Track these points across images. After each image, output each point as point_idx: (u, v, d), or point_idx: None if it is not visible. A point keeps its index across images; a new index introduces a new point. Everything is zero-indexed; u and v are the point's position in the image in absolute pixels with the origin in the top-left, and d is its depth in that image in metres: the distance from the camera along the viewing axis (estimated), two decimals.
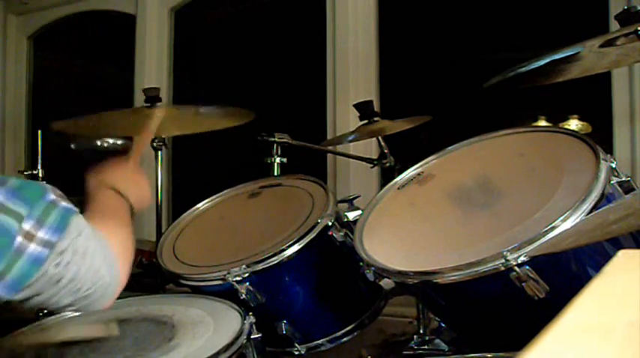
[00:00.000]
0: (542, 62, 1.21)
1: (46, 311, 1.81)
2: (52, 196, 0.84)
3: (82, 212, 0.93)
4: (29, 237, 0.79)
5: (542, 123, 1.76)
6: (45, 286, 0.82)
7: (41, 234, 0.80)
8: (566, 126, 1.70)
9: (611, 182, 1.10)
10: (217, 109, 1.98)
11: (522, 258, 1.01)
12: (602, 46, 1.19)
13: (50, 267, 0.81)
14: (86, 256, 0.85)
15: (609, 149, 1.53)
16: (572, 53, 1.19)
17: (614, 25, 1.23)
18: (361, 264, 1.24)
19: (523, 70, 1.22)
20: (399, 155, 1.87)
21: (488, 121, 2.43)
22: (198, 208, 1.71)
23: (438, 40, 2.66)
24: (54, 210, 0.83)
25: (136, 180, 1.19)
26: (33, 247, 0.79)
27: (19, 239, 0.78)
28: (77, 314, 1.37)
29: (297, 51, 2.97)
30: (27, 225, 0.79)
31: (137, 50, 3.23)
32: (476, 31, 2.55)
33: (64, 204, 0.85)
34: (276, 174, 1.87)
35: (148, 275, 2.27)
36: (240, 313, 1.24)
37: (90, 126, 1.94)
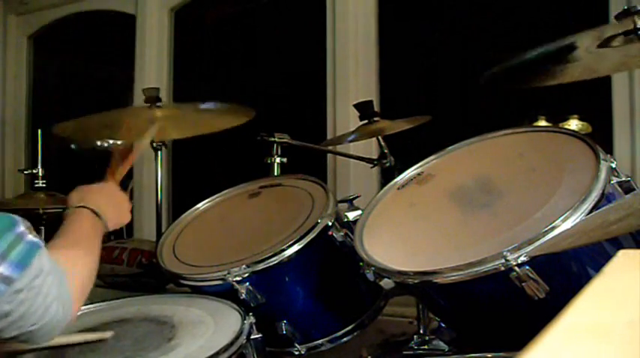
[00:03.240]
0: (538, 53, 1.21)
1: None
2: (20, 229, 0.84)
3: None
4: None
5: (542, 123, 1.76)
6: None
7: (1, 269, 0.80)
8: (566, 126, 1.70)
9: (611, 182, 1.10)
10: (217, 106, 1.98)
11: (522, 258, 1.01)
12: (600, 46, 1.19)
13: (4, 303, 0.80)
14: (40, 295, 0.85)
15: (609, 149, 1.53)
16: (568, 44, 1.19)
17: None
18: (361, 264, 1.24)
19: (519, 61, 1.22)
20: (399, 155, 1.87)
21: (488, 121, 2.43)
22: (198, 208, 1.71)
23: (438, 40, 2.66)
24: (19, 245, 0.82)
25: (117, 200, 1.21)
26: None
27: None
28: (77, 314, 1.37)
29: (297, 51, 2.97)
30: None
31: (137, 50, 3.23)
32: (476, 31, 2.55)
33: (31, 238, 0.85)
34: (276, 174, 1.87)
35: (148, 275, 2.27)
36: (240, 313, 1.24)
37: (90, 127, 1.94)
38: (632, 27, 1.13)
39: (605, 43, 1.20)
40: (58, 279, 0.88)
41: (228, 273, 1.34)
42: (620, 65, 1.29)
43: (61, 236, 1.01)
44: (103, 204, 1.14)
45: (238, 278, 1.34)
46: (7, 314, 0.82)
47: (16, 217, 0.86)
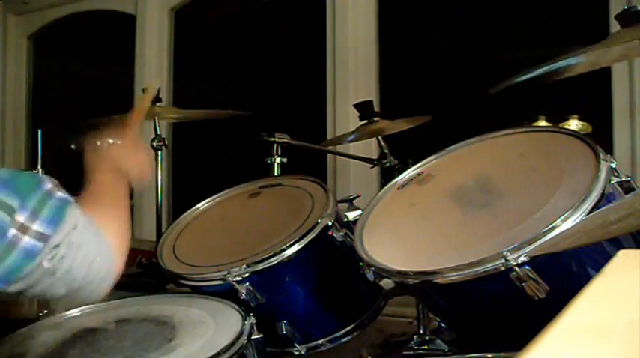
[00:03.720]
0: (547, 69, 1.21)
1: (46, 311, 1.82)
2: (47, 186, 0.83)
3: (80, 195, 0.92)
4: (23, 229, 0.78)
5: (542, 123, 1.75)
6: (39, 278, 0.81)
7: (36, 227, 0.79)
8: (566, 126, 1.69)
9: (611, 182, 1.10)
10: None
11: (522, 258, 1.01)
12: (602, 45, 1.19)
13: (44, 260, 0.80)
14: (81, 248, 0.84)
15: (609, 149, 1.53)
16: (574, 62, 1.19)
17: (614, 25, 1.23)
18: (361, 263, 1.24)
19: (528, 76, 1.22)
20: (398, 155, 1.87)
21: (488, 121, 2.43)
22: (198, 208, 1.71)
23: (438, 39, 2.66)
24: (49, 201, 0.81)
25: (136, 156, 1.13)
26: (27, 240, 0.78)
27: (12, 231, 0.77)
28: (77, 314, 1.37)
29: (297, 51, 2.97)
30: (21, 217, 0.78)
31: (137, 50, 3.23)
32: (476, 31, 2.55)
33: (60, 194, 0.84)
34: (276, 174, 1.87)
35: (148, 275, 2.28)
36: (240, 313, 1.24)
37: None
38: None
39: (609, 44, 1.20)
40: (96, 234, 0.87)
41: (228, 273, 1.34)
42: (619, 57, 1.29)
43: (88, 198, 0.98)
44: (124, 163, 1.08)
45: (238, 278, 1.34)
46: (52, 273, 0.81)
47: (42, 175, 0.85)
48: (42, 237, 0.79)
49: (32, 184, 0.82)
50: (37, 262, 0.79)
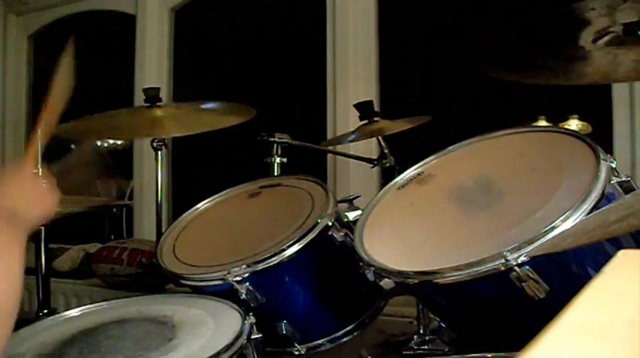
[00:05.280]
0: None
1: (46, 311, 1.82)
2: None
3: None
4: None
5: (542, 123, 1.76)
6: None
7: None
8: (566, 126, 1.70)
9: (611, 182, 1.10)
10: (218, 106, 1.98)
11: (522, 258, 1.01)
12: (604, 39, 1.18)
13: None
14: None
15: (609, 149, 1.53)
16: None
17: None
18: (361, 263, 1.24)
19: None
20: (398, 155, 1.87)
21: (488, 121, 2.43)
22: (198, 208, 1.71)
23: (439, 39, 2.66)
24: None
25: (33, 189, 1.01)
26: None
27: None
28: (77, 314, 1.37)
29: (297, 50, 2.97)
30: None
31: (137, 50, 3.23)
32: (477, 31, 2.55)
33: None
34: (276, 174, 1.87)
35: (148, 275, 2.28)
36: (240, 313, 1.24)
37: (90, 128, 1.94)
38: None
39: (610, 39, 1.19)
40: None
41: (228, 273, 1.34)
42: (635, 72, 1.26)
43: None
44: (20, 201, 0.95)
45: (238, 279, 1.34)
46: None
47: None
48: None
49: None
50: None
